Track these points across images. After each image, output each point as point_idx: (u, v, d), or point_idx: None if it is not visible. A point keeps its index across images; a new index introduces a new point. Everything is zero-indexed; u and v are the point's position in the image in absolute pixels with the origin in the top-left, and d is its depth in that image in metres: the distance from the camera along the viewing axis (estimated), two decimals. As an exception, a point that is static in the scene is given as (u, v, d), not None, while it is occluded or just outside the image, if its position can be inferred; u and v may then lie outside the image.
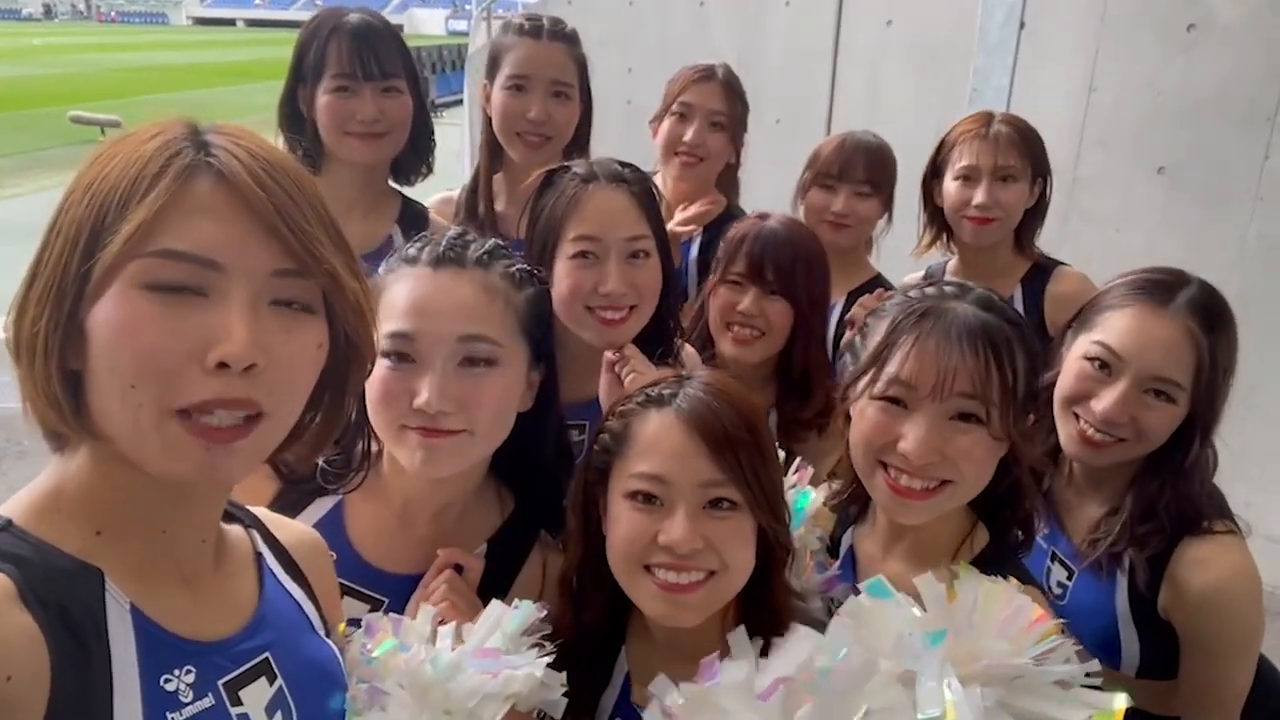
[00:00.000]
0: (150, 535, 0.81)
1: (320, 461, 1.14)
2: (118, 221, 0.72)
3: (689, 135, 2.29)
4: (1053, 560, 1.60)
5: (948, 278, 2.24)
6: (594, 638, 1.22)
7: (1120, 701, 0.98)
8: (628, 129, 3.55)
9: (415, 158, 2.09)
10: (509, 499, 1.34)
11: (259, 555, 0.95)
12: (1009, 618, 1.02)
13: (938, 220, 2.29)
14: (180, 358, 0.72)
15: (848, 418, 1.28)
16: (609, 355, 1.55)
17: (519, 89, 2.08)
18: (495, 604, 1.13)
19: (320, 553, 1.07)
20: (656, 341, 1.62)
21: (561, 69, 2.10)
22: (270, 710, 0.86)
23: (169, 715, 0.77)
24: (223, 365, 0.72)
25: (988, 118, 2.21)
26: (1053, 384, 1.53)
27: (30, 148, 15.69)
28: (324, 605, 1.03)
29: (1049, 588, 1.57)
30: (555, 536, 1.33)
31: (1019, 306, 2.19)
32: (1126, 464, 1.50)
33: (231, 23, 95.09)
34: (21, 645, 0.68)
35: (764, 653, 1.05)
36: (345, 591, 1.18)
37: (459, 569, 1.23)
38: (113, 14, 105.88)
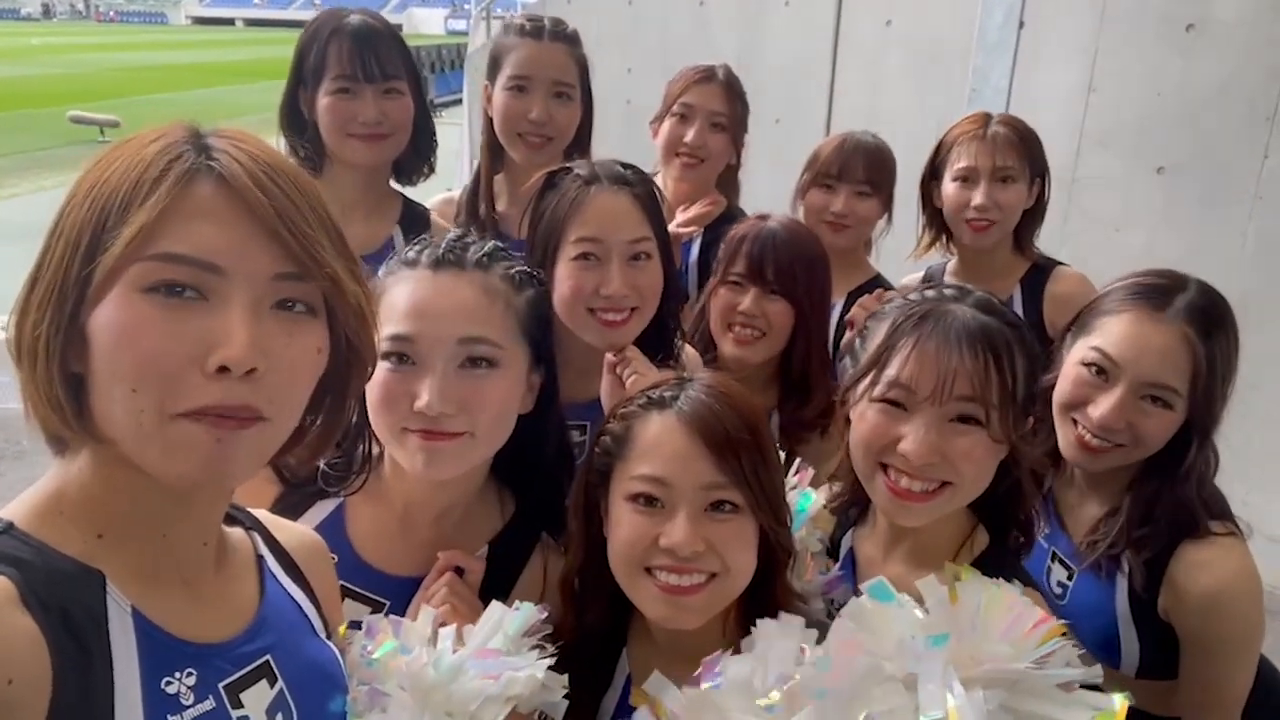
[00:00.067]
0: (152, 538, 0.81)
1: (321, 464, 1.14)
2: (119, 225, 0.72)
3: (690, 136, 2.29)
4: (1053, 560, 1.60)
5: (947, 279, 2.25)
6: (595, 640, 1.22)
7: (1121, 702, 0.98)
8: (628, 129, 3.55)
9: (417, 158, 2.08)
10: (510, 501, 1.34)
11: (260, 558, 0.95)
12: (1012, 621, 1.02)
13: (937, 221, 2.29)
14: (181, 361, 0.72)
15: (848, 420, 1.29)
16: (610, 357, 1.55)
17: (520, 90, 2.08)
18: (496, 606, 1.13)
19: (321, 555, 1.07)
20: (658, 343, 1.62)
21: (563, 70, 2.10)
22: (271, 712, 0.86)
23: (170, 718, 0.77)
24: (223, 369, 0.72)
25: (985, 119, 2.21)
26: (1052, 386, 1.53)
27: (29, 148, 15.70)
28: (325, 607, 1.02)
29: (1049, 587, 1.57)
30: (556, 538, 1.33)
31: (1018, 307, 2.19)
32: (1125, 466, 1.50)
33: (230, 22, 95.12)
34: (23, 648, 0.68)
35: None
36: (346, 594, 1.18)
37: (460, 571, 1.23)
38: (111, 14, 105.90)
